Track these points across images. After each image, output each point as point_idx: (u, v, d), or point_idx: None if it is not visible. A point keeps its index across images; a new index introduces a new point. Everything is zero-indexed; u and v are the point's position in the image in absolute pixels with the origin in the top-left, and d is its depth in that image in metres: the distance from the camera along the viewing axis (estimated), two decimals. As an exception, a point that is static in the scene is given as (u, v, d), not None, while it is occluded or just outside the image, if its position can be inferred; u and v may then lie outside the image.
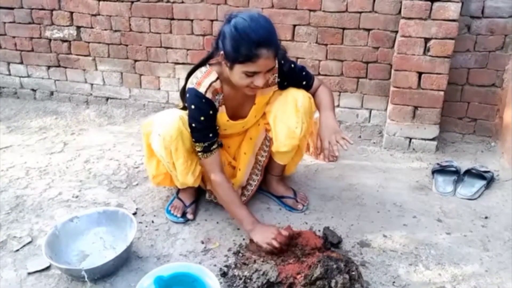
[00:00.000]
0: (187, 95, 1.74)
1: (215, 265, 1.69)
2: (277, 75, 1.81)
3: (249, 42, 1.51)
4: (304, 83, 1.88)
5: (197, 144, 1.78)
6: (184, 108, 1.83)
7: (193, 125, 1.75)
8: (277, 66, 1.74)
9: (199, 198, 2.10)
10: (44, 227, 1.92)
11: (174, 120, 1.75)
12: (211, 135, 1.77)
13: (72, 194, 2.16)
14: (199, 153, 1.79)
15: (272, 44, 1.54)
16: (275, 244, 1.64)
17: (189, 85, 1.74)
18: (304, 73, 1.88)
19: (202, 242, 1.84)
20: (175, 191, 2.10)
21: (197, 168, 1.88)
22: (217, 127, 1.81)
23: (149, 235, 1.88)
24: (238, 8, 2.70)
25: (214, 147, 1.79)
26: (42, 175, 2.33)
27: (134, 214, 2.00)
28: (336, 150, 1.70)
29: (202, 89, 1.70)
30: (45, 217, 1.99)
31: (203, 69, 1.74)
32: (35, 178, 2.30)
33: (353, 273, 1.51)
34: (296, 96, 1.82)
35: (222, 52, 1.60)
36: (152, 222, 1.97)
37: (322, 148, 1.72)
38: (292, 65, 1.84)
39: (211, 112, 1.74)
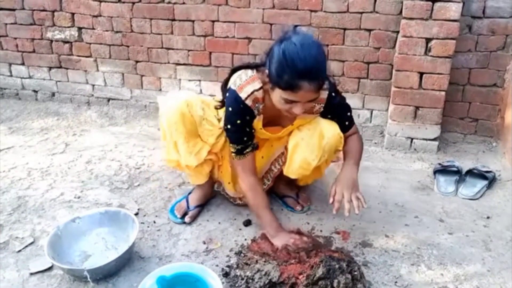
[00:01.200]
0: (227, 94, 1.71)
1: (217, 265, 1.69)
2: (323, 105, 1.76)
3: (293, 71, 1.44)
4: (346, 123, 1.83)
5: (231, 145, 1.79)
6: (221, 102, 1.79)
7: (228, 126, 1.74)
8: (325, 96, 1.72)
9: (207, 203, 2.09)
10: (46, 228, 1.92)
11: (179, 102, 1.77)
12: (245, 138, 1.76)
13: (74, 195, 2.16)
14: (232, 154, 1.80)
15: (317, 77, 1.46)
16: (291, 247, 1.69)
17: (231, 85, 1.70)
18: (348, 113, 1.84)
19: (204, 243, 1.84)
20: (188, 192, 2.11)
21: (202, 152, 1.86)
22: (253, 131, 1.79)
23: (151, 235, 1.88)
24: (245, 9, 2.71)
25: (247, 150, 1.79)
26: (44, 176, 2.33)
27: (136, 214, 2.00)
28: (347, 210, 1.66)
29: (243, 95, 1.66)
30: (47, 218, 1.99)
31: (249, 72, 1.69)
32: (37, 179, 2.30)
33: (355, 273, 1.52)
34: (324, 133, 1.77)
35: (267, 70, 1.55)
36: (154, 222, 1.97)
37: (334, 199, 1.69)
38: (341, 102, 1.81)
39: (247, 117, 1.72)
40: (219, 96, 1.83)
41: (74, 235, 1.76)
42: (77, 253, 1.74)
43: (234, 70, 1.77)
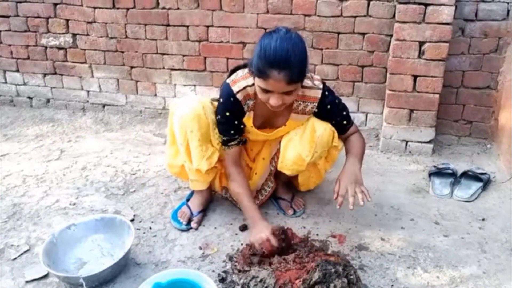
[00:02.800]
0: (222, 87, 1.79)
1: (213, 271, 1.69)
2: (316, 105, 1.79)
3: (263, 60, 1.51)
4: (344, 122, 1.85)
5: (218, 135, 1.84)
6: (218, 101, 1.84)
7: (218, 117, 1.81)
8: (318, 96, 1.76)
9: (208, 208, 2.09)
10: (41, 235, 1.91)
11: (195, 104, 1.81)
12: (232, 131, 1.81)
13: (69, 202, 2.16)
14: (219, 143, 1.85)
15: (286, 68, 1.49)
16: (260, 248, 1.67)
17: (227, 80, 1.78)
18: (345, 113, 1.85)
19: (200, 248, 1.84)
20: (186, 198, 2.11)
21: (213, 158, 1.88)
22: (242, 127, 1.83)
23: (147, 241, 1.88)
24: (239, 14, 2.72)
25: (232, 143, 1.83)
26: (39, 183, 2.32)
27: (132, 220, 1.99)
28: (351, 203, 1.66)
29: (235, 88, 1.73)
30: (42, 225, 1.98)
31: (246, 70, 1.76)
32: (32, 186, 2.29)
33: (352, 277, 1.51)
34: (316, 127, 1.80)
35: (250, 61, 1.62)
36: (150, 228, 1.96)
37: (338, 194, 1.69)
38: (336, 101, 1.82)
39: (236, 111, 1.77)
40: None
41: (69, 242, 1.75)
42: (73, 260, 1.73)
43: (234, 70, 1.83)
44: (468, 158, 2.60)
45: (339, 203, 1.69)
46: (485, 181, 2.26)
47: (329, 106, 1.80)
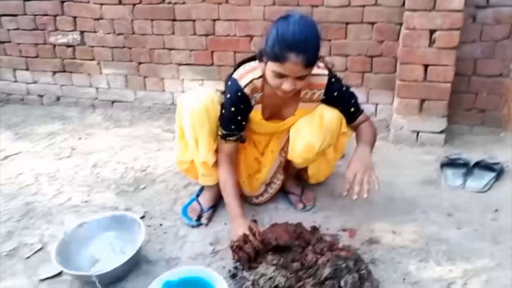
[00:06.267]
0: (229, 83, 1.77)
1: (224, 267, 1.69)
2: (323, 91, 1.78)
3: (281, 43, 1.50)
4: (352, 109, 1.82)
5: (219, 128, 1.83)
6: (223, 93, 1.85)
7: (222, 111, 1.79)
8: (325, 82, 1.75)
9: (218, 203, 2.08)
10: (54, 233, 1.93)
11: (203, 97, 1.80)
12: (233, 127, 1.80)
13: (81, 199, 2.18)
14: (218, 136, 1.84)
15: (304, 52, 1.49)
16: (234, 243, 1.64)
17: (234, 74, 1.76)
18: (353, 101, 1.83)
19: (211, 244, 1.84)
20: (196, 193, 2.11)
21: None
22: (244, 123, 1.82)
23: (158, 238, 1.89)
24: (245, 7, 2.69)
25: (230, 138, 1.82)
26: (51, 181, 2.35)
27: (142, 217, 2.00)
28: (356, 192, 1.64)
29: (242, 83, 1.72)
30: (55, 223, 2.00)
31: (252, 63, 1.75)
32: (44, 184, 2.32)
33: (363, 271, 1.50)
34: (324, 113, 1.78)
35: (263, 47, 1.61)
36: (161, 225, 1.97)
37: (350, 183, 1.67)
38: (344, 88, 1.80)
39: (242, 106, 1.76)
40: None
41: (81, 240, 1.77)
42: (85, 258, 1.74)
43: (239, 64, 1.81)
44: (481, 147, 2.55)
45: (346, 189, 1.68)
46: (498, 171, 2.22)
47: (336, 93, 1.79)
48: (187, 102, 1.82)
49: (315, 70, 1.70)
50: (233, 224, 1.76)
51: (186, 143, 1.91)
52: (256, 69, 1.72)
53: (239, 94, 1.73)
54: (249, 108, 1.78)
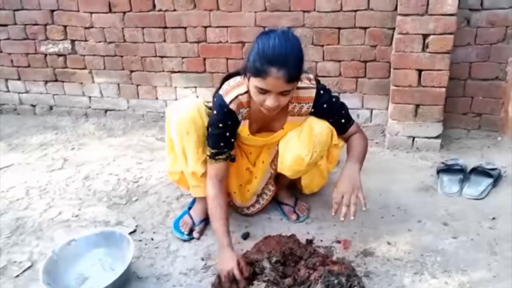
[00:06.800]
0: (215, 100, 1.74)
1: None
2: (311, 105, 1.74)
3: (261, 58, 1.49)
4: (342, 121, 1.79)
5: (208, 147, 1.78)
6: (211, 109, 1.81)
7: (209, 129, 1.75)
8: (313, 95, 1.72)
9: None
10: (44, 250, 1.90)
11: (190, 107, 1.77)
12: (222, 144, 1.75)
13: (72, 213, 2.15)
14: (207, 156, 1.79)
15: (285, 66, 1.47)
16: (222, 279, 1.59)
17: (220, 91, 1.73)
18: (343, 111, 1.80)
19: (202, 259, 1.81)
20: (188, 206, 2.08)
21: None
22: (233, 140, 1.78)
23: (149, 253, 1.86)
24: (236, 13, 2.67)
25: (220, 157, 1.76)
26: (42, 195, 2.32)
27: (134, 231, 1.98)
28: (343, 215, 1.61)
29: (227, 99, 1.69)
30: (45, 239, 1.98)
31: (237, 78, 1.72)
32: (35, 198, 2.29)
33: (355, 287, 1.47)
34: (313, 125, 1.75)
35: (245, 63, 1.59)
36: (152, 239, 1.94)
37: (337, 203, 1.64)
38: (333, 100, 1.77)
39: (229, 122, 1.73)
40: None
41: (70, 258, 1.74)
42: (74, 276, 1.72)
43: (225, 79, 1.78)
44: (478, 152, 2.52)
45: (334, 210, 1.65)
46: (495, 177, 2.18)
47: (325, 105, 1.75)
48: (175, 113, 1.80)
49: (302, 84, 1.68)
50: (221, 254, 1.67)
51: (176, 154, 1.89)
52: (241, 85, 1.69)
53: (225, 110, 1.69)
54: (237, 123, 1.75)
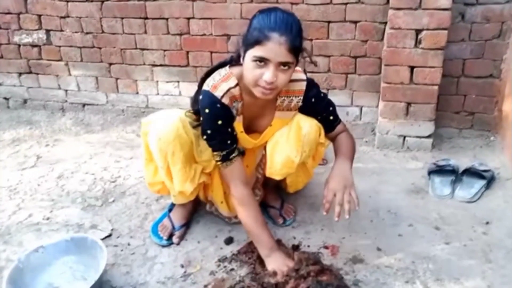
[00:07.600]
0: (201, 97, 1.56)
1: (194, 293, 1.55)
2: (301, 98, 1.64)
3: (262, 25, 1.40)
4: (330, 118, 1.71)
5: (215, 153, 1.62)
6: (195, 113, 1.66)
7: (208, 132, 1.58)
8: (303, 88, 1.62)
9: (191, 220, 1.94)
10: (11, 256, 1.77)
11: (173, 122, 1.60)
12: (229, 141, 1.60)
13: (42, 216, 2.01)
14: (218, 163, 1.64)
15: (287, 33, 1.38)
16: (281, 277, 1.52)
17: (204, 87, 1.57)
18: (331, 108, 1.71)
19: (182, 266, 1.70)
20: (167, 208, 1.96)
21: (197, 176, 1.71)
22: (235, 134, 1.64)
23: (125, 260, 1.74)
24: (221, 4, 2.55)
25: (233, 155, 1.62)
26: (12, 195, 2.17)
27: (109, 236, 1.86)
28: (336, 214, 1.51)
29: (218, 93, 1.53)
30: (13, 244, 1.84)
31: (222, 71, 1.58)
32: (4, 199, 2.14)
33: (344, 299, 1.38)
34: (302, 124, 1.65)
35: (241, 41, 1.48)
36: (128, 244, 1.82)
37: (329, 202, 1.53)
38: (321, 94, 1.68)
39: (226, 117, 1.58)
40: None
41: (38, 266, 1.61)
42: (42, 285, 1.59)
43: (204, 78, 1.62)
44: (470, 152, 2.45)
45: (325, 209, 1.53)
46: (488, 179, 2.10)
47: (313, 99, 1.65)
48: (154, 129, 1.63)
49: (293, 75, 1.56)
50: (275, 256, 1.59)
51: (156, 166, 1.74)
52: (230, 78, 1.56)
53: (218, 106, 1.54)
54: (233, 118, 1.61)
